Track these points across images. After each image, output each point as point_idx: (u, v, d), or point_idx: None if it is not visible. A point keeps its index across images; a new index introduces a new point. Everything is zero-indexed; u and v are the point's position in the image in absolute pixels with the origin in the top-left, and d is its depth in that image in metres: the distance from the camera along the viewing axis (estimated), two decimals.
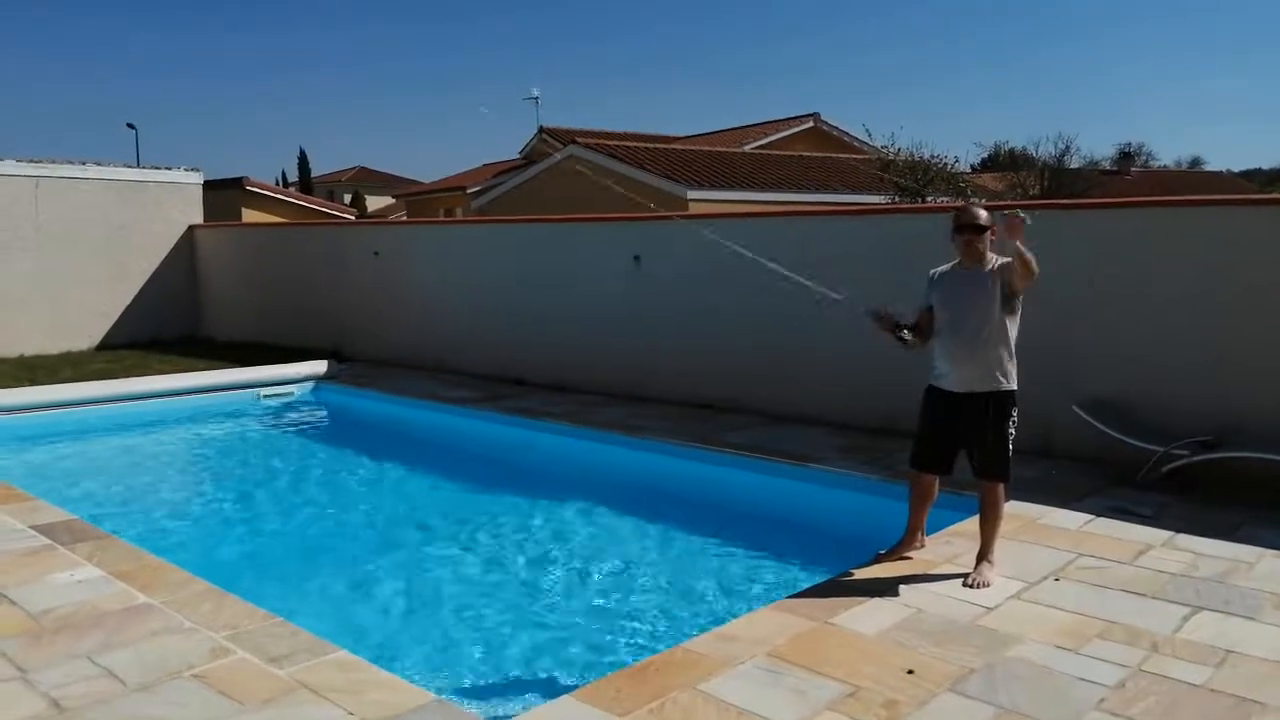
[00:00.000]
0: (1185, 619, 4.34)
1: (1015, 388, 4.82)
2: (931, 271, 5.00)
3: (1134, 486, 6.36)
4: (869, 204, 16.64)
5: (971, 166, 32.73)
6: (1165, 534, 5.47)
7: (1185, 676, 3.79)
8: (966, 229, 4.79)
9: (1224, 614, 4.39)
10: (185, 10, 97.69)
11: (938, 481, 5.10)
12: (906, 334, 4.89)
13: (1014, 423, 4.82)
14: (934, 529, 5.36)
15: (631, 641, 4.93)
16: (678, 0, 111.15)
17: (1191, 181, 40.12)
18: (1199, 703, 3.60)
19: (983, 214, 4.84)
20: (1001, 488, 4.86)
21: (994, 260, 4.78)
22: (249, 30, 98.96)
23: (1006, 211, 4.57)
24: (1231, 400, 6.56)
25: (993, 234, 4.80)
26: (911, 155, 20.43)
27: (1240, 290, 6.52)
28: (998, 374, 4.76)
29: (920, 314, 4.99)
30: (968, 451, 4.91)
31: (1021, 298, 4.77)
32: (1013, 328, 4.77)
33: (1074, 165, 31.16)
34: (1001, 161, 36.38)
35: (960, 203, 4.15)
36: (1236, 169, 53.18)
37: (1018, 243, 4.45)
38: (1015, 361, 4.80)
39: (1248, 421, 6.44)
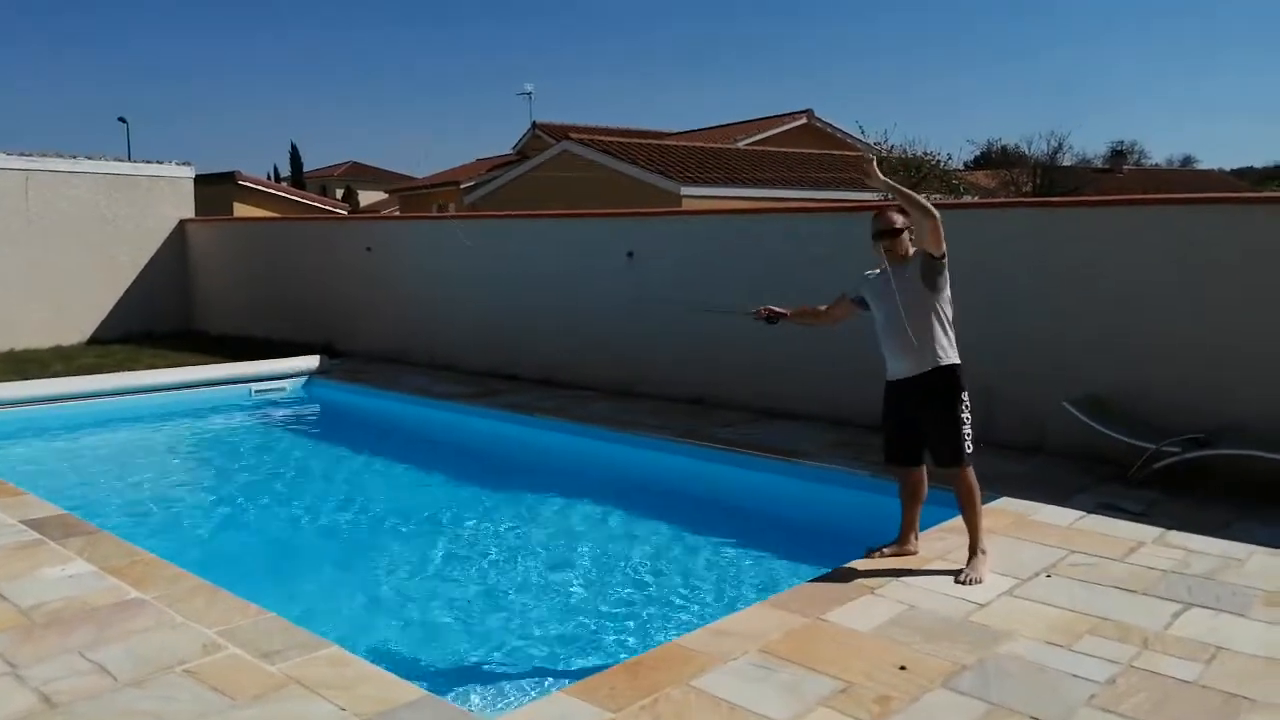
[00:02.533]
0: (1176, 615, 4.36)
1: (956, 362, 4.86)
2: (867, 272, 5.15)
3: (1125, 483, 6.38)
4: (862, 201, 16.65)
5: (964, 164, 32.76)
6: (1156, 531, 5.49)
7: (1176, 673, 3.81)
8: (876, 237, 4.95)
9: (1214, 610, 4.40)
10: (177, 5, 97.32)
11: (925, 479, 5.12)
12: (774, 318, 5.34)
13: (966, 406, 4.85)
14: (925, 525, 5.36)
15: (625, 637, 4.93)
16: None
17: (1184, 179, 40.25)
18: (1189, 699, 3.61)
19: (884, 219, 4.92)
20: (970, 473, 4.86)
21: (914, 250, 4.89)
22: (241, 26, 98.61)
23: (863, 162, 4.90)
24: (1223, 398, 6.58)
25: (899, 237, 4.87)
26: (904, 152, 20.49)
27: (1231, 288, 6.54)
28: (935, 351, 4.82)
29: (838, 298, 5.31)
30: (927, 443, 4.96)
31: (945, 271, 4.79)
32: (943, 305, 4.83)
33: (1066, 163, 31.29)
34: (994, 159, 36.46)
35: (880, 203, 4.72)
36: (1229, 167, 53.44)
37: (884, 179, 4.75)
38: (952, 338, 4.87)
39: (1239, 419, 6.46)
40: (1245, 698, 3.61)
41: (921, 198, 4.74)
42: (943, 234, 4.69)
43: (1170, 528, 5.53)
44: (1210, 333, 6.63)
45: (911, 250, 4.89)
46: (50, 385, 10.67)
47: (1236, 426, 6.41)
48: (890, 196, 4.97)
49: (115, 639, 4.12)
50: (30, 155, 15.22)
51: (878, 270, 5.06)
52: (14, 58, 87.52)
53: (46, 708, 3.54)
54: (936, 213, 4.65)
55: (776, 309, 5.37)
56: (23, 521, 5.77)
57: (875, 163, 4.87)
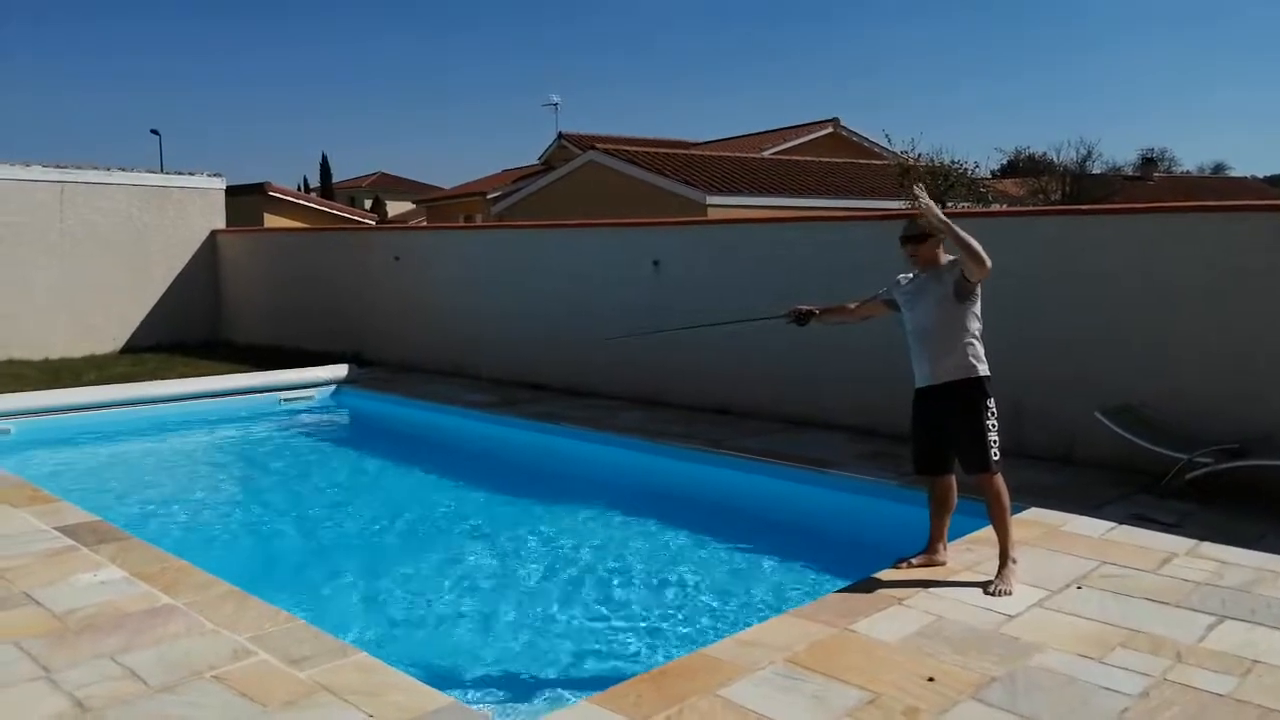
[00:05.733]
0: (1210, 628, 4.30)
1: (984, 374, 4.88)
2: (900, 275, 5.21)
3: (1157, 494, 6.30)
4: (891, 210, 16.57)
5: (992, 172, 32.62)
6: (1189, 542, 5.42)
7: (1210, 686, 3.75)
8: (902, 241, 5.03)
9: (1249, 623, 4.34)
10: (209, 20, 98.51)
11: (954, 488, 5.09)
12: (804, 318, 5.41)
13: (992, 413, 4.86)
14: (954, 536, 5.32)
15: (651, 646, 4.92)
16: (696, 7, 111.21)
17: (1215, 187, 39.80)
18: (1224, 713, 3.56)
19: (918, 224, 4.95)
20: (998, 480, 4.84)
21: (947, 259, 4.94)
22: (272, 40, 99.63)
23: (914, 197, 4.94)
24: (1256, 407, 6.49)
25: (926, 242, 4.93)
26: (932, 161, 20.35)
27: (1264, 296, 6.46)
28: (961, 363, 4.85)
29: (870, 298, 5.34)
30: (954, 449, 4.95)
31: (978, 286, 4.82)
32: (972, 319, 4.87)
33: (1096, 171, 31.00)
34: (1022, 167, 36.26)
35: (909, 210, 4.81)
36: (1261, 174, 52.76)
37: (940, 216, 4.76)
38: (980, 350, 4.88)
39: (1273, 429, 6.37)
40: None
41: (977, 245, 4.60)
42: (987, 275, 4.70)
43: (1203, 539, 5.46)
44: (1243, 341, 6.54)
45: (944, 259, 4.93)
46: (83, 394, 10.81)
47: (1270, 436, 6.32)
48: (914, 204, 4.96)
49: (146, 644, 4.17)
50: (65, 167, 15.46)
51: (910, 275, 5.11)
52: (50, 70, 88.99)
53: (79, 712, 3.58)
54: (989, 263, 4.60)
55: (805, 308, 5.44)
56: (56, 528, 5.84)
57: (925, 191, 4.88)
